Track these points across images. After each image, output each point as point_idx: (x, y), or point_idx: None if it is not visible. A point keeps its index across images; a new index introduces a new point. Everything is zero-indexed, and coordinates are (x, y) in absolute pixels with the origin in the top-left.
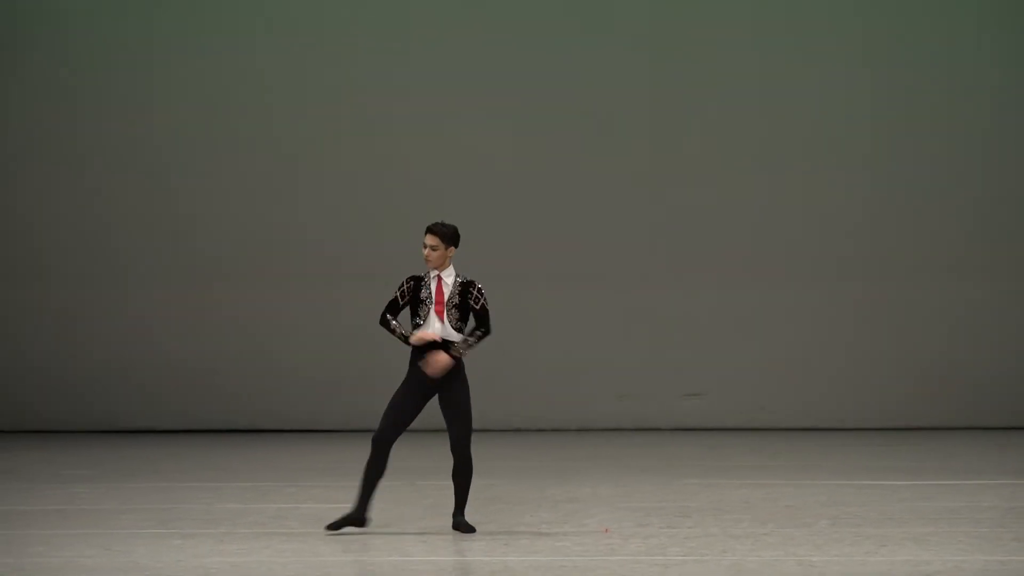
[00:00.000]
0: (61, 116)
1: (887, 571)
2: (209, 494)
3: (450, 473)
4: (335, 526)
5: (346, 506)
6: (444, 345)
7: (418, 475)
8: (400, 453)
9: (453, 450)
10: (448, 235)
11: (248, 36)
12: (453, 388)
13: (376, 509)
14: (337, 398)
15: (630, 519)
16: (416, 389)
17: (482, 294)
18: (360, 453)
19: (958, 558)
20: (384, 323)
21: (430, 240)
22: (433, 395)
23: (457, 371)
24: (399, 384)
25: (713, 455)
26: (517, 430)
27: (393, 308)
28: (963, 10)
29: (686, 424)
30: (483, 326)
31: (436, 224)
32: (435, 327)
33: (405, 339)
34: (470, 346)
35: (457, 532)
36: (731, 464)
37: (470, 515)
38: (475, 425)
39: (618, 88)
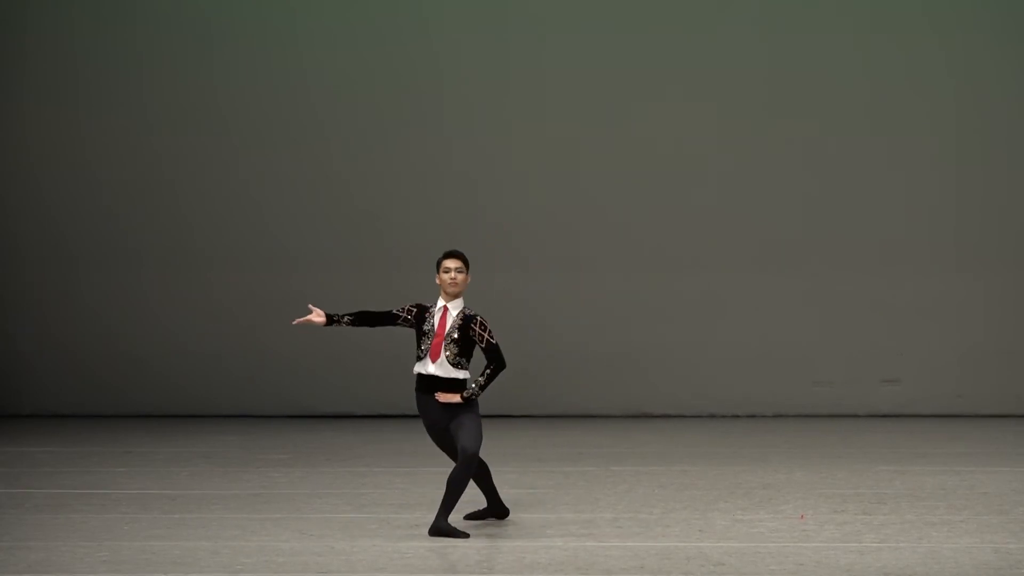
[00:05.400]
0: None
1: None
2: (405, 479)
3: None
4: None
5: (540, 491)
6: (435, 382)
7: (612, 460)
8: (592, 439)
9: (460, 453)
10: (467, 260)
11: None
12: (464, 412)
13: (571, 494)
14: (527, 384)
15: (825, 505)
16: (437, 424)
17: (484, 328)
18: (561, 438)
19: None
20: (355, 319)
21: (455, 264)
22: (451, 418)
23: (467, 403)
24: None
25: (908, 442)
26: (711, 416)
27: (378, 314)
28: None
29: (881, 411)
30: (494, 362)
31: (455, 250)
32: (429, 368)
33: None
34: (482, 388)
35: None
36: (927, 451)
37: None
38: (676, 411)
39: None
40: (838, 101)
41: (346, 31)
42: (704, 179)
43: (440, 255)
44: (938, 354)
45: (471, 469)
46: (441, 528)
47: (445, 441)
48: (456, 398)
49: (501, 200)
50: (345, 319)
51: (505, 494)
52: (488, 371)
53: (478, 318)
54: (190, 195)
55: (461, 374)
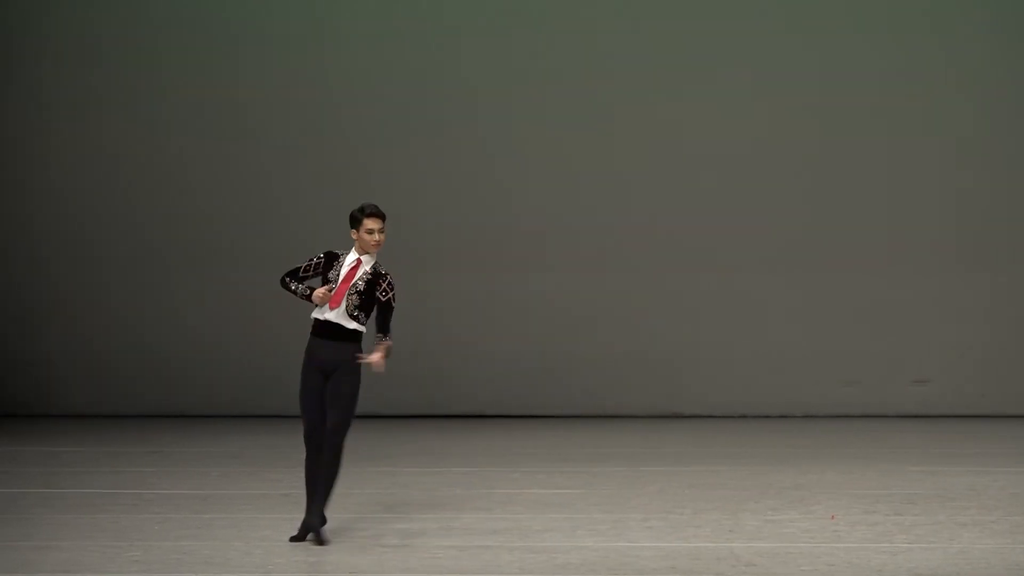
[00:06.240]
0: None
1: None
2: (432, 479)
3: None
4: (297, 538)
5: (570, 491)
6: (336, 328)
7: (642, 461)
8: (621, 439)
9: (326, 438)
10: (385, 217)
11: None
12: (343, 373)
13: (601, 495)
14: (554, 384)
15: (856, 506)
16: (319, 370)
17: (391, 288)
18: (590, 438)
19: None
20: (283, 284)
21: (377, 224)
22: (331, 374)
23: (351, 359)
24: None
25: (938, 442)
26: (742, 416)
27: (293, 274)
28: None
29: (910, 411)
30: (385, 327)
31: (374, 206)
32: (327, 314)
33: (307, 296)
34: (389, 333)
35: (317, 540)
36: (956, 451)
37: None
38: (706, 412)
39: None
40: (875, 99)
41: (371, 32)
42: (737, 179)
43: (356, 209)
44: (967, 354)
45: (338, 458)
46: (312, 526)
47: (314, 395)
48: (379, 360)
49: (530, 200)
50: (300, 289)
51: (534, 495)
52: (385, 326)
53: (388, 277)
54: (216, 195)
55: (356, 326)
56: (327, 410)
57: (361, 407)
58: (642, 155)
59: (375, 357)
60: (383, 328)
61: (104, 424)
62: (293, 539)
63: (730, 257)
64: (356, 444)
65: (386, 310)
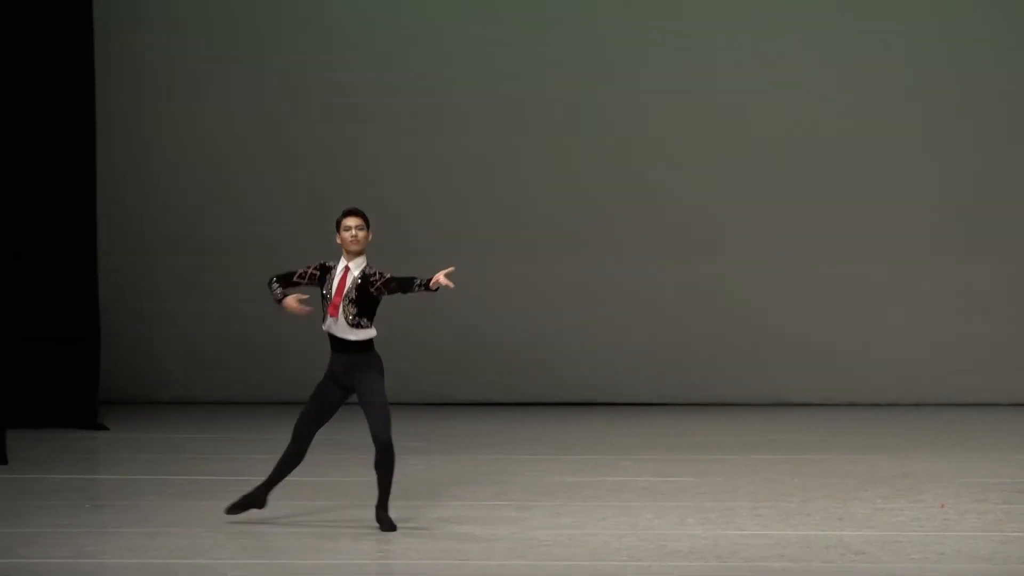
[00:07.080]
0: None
1: None
2: (542, 466)
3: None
4: (235, 509)
5: (680, 479)
6: (344, 342)
7: (752, 450)
8: (731, 428)
9: (374, 441)
10: (367, 218)
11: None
12: (367, 379)
13: (710, 483)
14: (665, 372)
15: (966, 494)
16: (334, 381)
17: (378, 273)
18: (700, 426)
19: None
20: (269, 284)
21: (355, 221)
22: (351, 387)
23: (370, 362)
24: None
25: None
26: (852, 404)
27: (285, 278)
28: None
29: (1022, 400)
30: (407, 281)
31: (353, 207)
32: (331, 327)
33: (279, 301)
34: (419, 282)
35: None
36: None
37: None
38: (817, 400)
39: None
40: (974, 88)
41: (472, 24)
42: (852, 167)
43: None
44: None
45: (390, 455)
46: (382, 519)
47: (335, 397)
48: (443, 279)
49: (645, 188)
50: (277, 292)
51: (645, 483)
52: (405, 281)
53: (377, 272)
54: (320, 185)
55: (363, 334)
56: (366, 416)
57: (473, 395)
58: (749, 147)
59: (440, 280)
60: (409, 283)
61: (215, 411)
62: (230, 510)
63: (842, 245)
64: (466, 431)
65: (393, 283)
